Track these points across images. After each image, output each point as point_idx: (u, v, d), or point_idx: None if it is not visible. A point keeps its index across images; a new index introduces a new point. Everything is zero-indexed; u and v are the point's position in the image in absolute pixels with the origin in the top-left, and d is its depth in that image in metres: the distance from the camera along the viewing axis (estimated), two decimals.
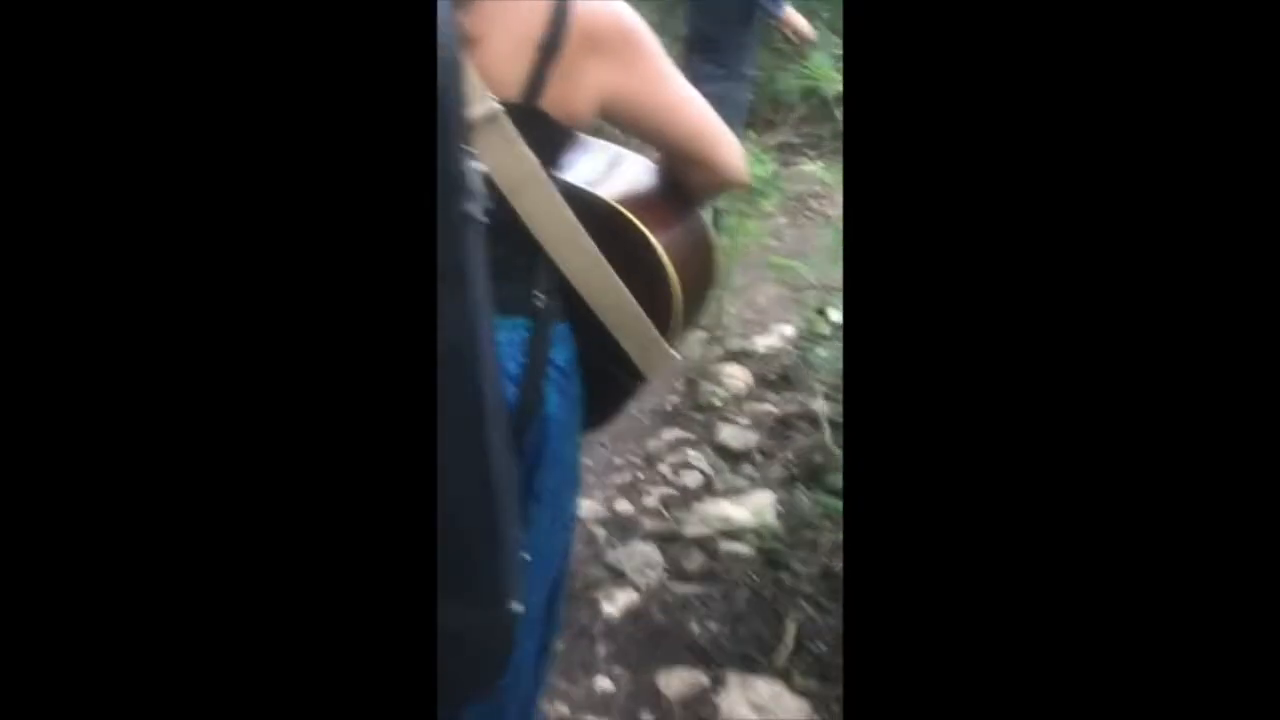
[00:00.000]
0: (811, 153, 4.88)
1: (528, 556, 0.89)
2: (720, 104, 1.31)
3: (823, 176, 4.42)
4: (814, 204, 4.43)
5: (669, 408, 2.95)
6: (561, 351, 1.13)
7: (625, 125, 1.13)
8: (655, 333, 1.17)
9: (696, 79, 1.21)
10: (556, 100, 1.03)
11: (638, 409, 2.88)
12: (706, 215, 1.32)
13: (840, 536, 2.27)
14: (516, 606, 0.78)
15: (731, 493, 2.55)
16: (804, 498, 2.48)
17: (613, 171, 1.22)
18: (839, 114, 4.06)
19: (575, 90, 1.03)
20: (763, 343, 3.27)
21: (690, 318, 1.24)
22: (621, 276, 1.12)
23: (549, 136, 1.05)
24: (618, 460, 2.73)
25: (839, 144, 4.73)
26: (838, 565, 2.22)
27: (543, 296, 1.10)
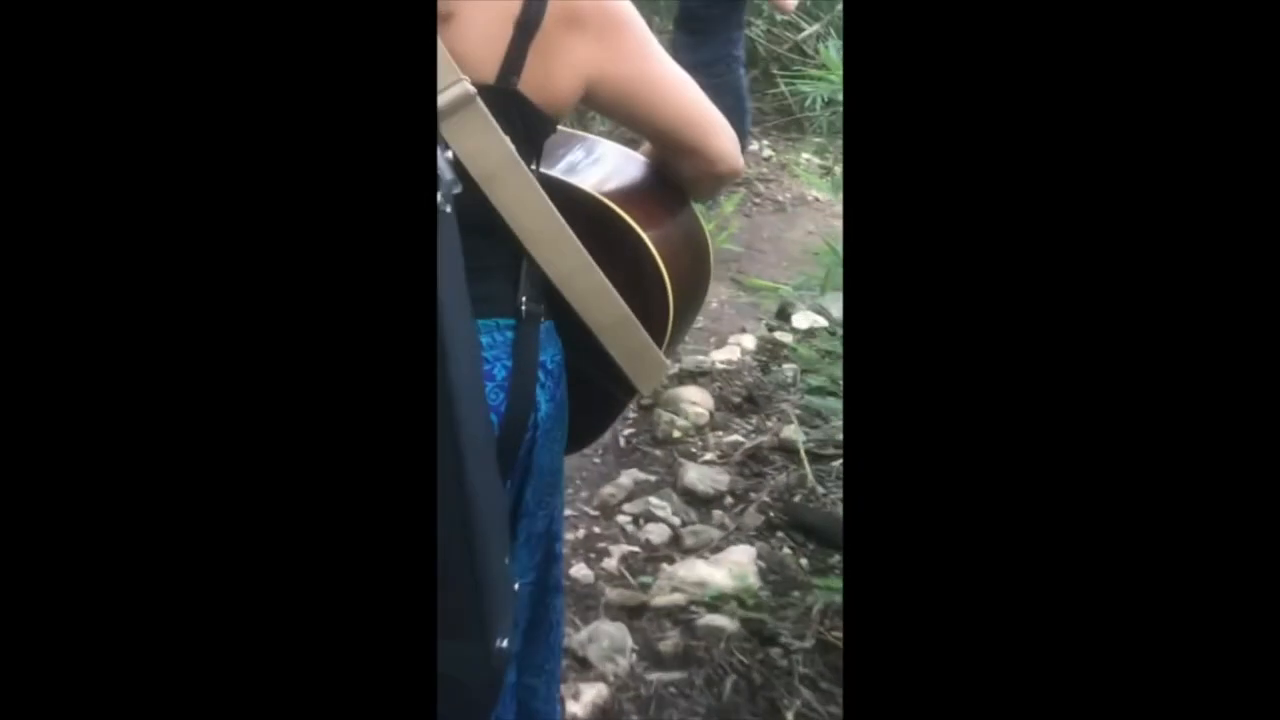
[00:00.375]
0: (754, 129, 4.46)
1: (517, 586, 0.87)
2: (717, 93, 1.20)
3: (769, 156, 4.07)
4: (762, 188, 4.05)
5: (622, 443, 2.60)
6: (548, 351, 1.04)
7: (610, 109, 1.04)
8: (647, 338, 1.07)
9: (682, 60, 1.11)
10: (535, 82, 0.95)
11: (588, 447, 2.52)
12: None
13: (835, 597, 1.99)
14: (502, 643, 0.76)
15: (704, 547, 2.22)
16: (789, 549, 2.17)
17: (596, 163, 1.14)
18: (784, 85, 3.73)
19: (556, 71, 0.96)
20: (720, 358, 2.91)
21: (684, 322, 1.16)
22: (608, 276, 1.02)
23: (527, 122, 0.98)
24: (569, 511, 2.39)
25: (783, 119, 4.39)
26: (835, 634, 1.94)
27: (526, 294, 1.01)
